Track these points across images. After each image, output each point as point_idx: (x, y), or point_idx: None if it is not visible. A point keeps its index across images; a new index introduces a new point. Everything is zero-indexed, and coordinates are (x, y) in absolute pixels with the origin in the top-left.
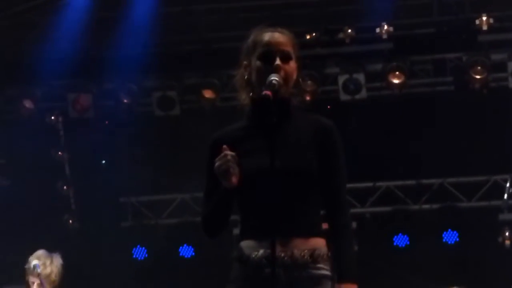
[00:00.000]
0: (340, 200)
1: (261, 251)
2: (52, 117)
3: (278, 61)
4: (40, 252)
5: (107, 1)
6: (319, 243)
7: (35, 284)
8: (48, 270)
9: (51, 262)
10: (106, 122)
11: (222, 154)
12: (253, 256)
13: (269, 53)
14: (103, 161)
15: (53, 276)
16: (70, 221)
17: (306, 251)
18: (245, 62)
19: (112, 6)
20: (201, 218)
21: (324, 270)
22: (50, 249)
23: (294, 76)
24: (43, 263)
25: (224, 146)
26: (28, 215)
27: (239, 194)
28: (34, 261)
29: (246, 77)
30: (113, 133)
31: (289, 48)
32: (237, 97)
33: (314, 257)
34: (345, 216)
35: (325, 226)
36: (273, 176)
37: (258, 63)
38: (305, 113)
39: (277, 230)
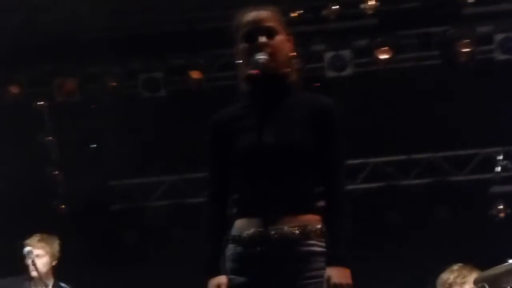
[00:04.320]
0: (336, 180)
1: (252, 230)
2: (39, 102)
3: (263, 39)
4: (38, 235)
5: None
6: (312, 219)
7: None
8: (48, 247)
9: (49, 238)
10: (92, 106)
11: None
12: (244, 235)
13: (251, 32)
14: (91, 145)
15: (54, 251)
16: (60, 206)
17: (296, 227)
18: (235, 47)
19: None
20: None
21: (316, 246)
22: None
23: (284, 51)
24: (39, 240)
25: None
26: (17, 202)
27: (234, 172)
28: (27, 248)
29: (236, 61)
30: (100, 116)
31: (272, 23)
32: (224, 77)
33: (305, 233)
34: (341, 197)
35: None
36: (262, 153)
37: (243, 44)
38: (306, 91)
39: (268, 207)
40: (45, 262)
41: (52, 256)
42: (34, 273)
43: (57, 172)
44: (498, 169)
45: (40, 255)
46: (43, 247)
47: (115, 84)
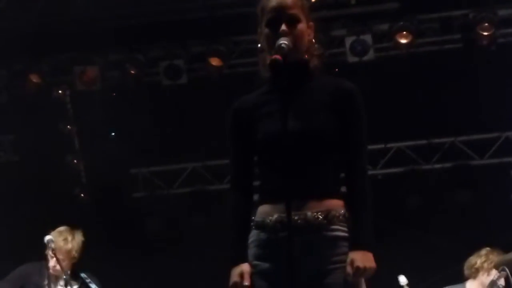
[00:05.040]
0: (358, 165)
1: (276, 216)
2: (60, 91)
3: (284, 27)
4: (62, 228)
5: None
6: (335, 204)
7: (54, 258)
8: (69, 246)
9: (73, 238)
10: (113, 94)
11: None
12: (268, 221)
13: (275, 19)
14: (112, 133)
15: (73, 252)
16: (82, 195)
17: (320, 212)
18: (258, 30)
19: None
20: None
21: (340, 231)
22: (63, 223)
23: (306, 38)
24: (64, 239)
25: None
26: (39, 190)
27: (257, 159)
28: (48, 237)
29: (259, 45)
30: (121, 105)
31: (295, 11)
32: (244, 64)
33: (328, 218)
34: (363, 182)
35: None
36: (286, 139)
37: (266, 30)
38: (327, 76)
39: (291, 193)
40: (72, 257)
41: (77, 252)
42: (54, 264)
43: (75, 161)
44: None
45: (68, 250)
46: (73, 243)
47: (136, 71)
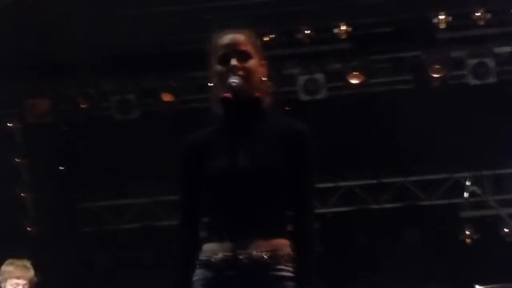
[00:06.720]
0: (306, 206)
1: (221, 254)
2: (9, 124)
3: (234, 62)
4: (13, 260)
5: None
6: (281, 244)
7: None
8: (31, 271)
9: (30, 266)
10: (64, 128)
11: None
12: (213, 259)
13: (226, 55)
14: (61, 167)
15: (35, 279)
16: (29, 228)
17: (265, 252)
18: (211, 69)
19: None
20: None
21: (285, 271)
22: (10, 257)
23: (257, 74)
24: (23, 265)
25: None
26: None
27: (205, 196)
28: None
29: (212, 84)
30: (72, 138)
31: (247, 47)
32: (197, 100)
33: (274, 258)
34: (310, 223)
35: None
36: (234, 177)
37: (218, 67)
38: (279, 116)
39: (237, 231)
40: (35, 283)
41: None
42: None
43: (23, 195)
44: (467, 194)
45: (24, 285)
46: (30, 278)
47: (87, 105)
